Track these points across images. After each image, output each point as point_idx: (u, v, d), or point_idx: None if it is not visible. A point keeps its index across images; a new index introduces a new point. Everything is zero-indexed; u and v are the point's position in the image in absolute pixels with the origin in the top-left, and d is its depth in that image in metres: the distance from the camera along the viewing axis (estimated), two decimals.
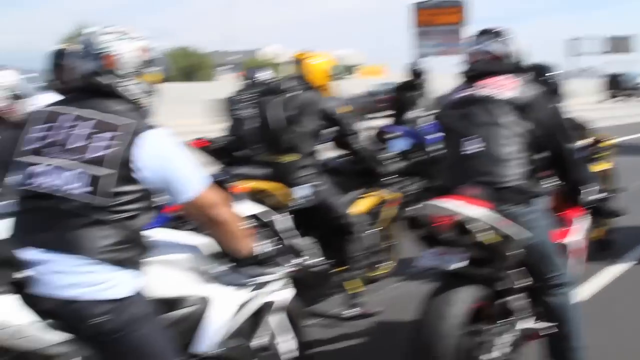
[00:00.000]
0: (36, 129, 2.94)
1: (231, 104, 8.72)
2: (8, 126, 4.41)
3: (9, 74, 4.59)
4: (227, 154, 8.03)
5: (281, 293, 3.62)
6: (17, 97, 4.57)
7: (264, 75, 8.82)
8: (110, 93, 2.97)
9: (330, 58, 5.98)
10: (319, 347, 4.82)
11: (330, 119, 5.64)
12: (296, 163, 5.53)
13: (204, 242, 3.30)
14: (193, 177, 2.97)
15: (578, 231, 4.48)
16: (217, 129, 9.34)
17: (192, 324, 3.20)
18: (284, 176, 5.50)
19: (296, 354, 3.73)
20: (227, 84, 15.98)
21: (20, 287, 2.74)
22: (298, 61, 5.86)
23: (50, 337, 2.75)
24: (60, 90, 5.45)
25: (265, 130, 5.72)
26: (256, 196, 5.00)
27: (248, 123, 7.22)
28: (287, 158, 5.54)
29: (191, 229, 3.48)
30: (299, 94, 5.65)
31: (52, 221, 2.82)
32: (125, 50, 2.99)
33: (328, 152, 6.09)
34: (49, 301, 2.74)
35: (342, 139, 5.82)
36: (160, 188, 2.95)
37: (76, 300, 2.75)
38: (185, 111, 25.67)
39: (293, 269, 3.63)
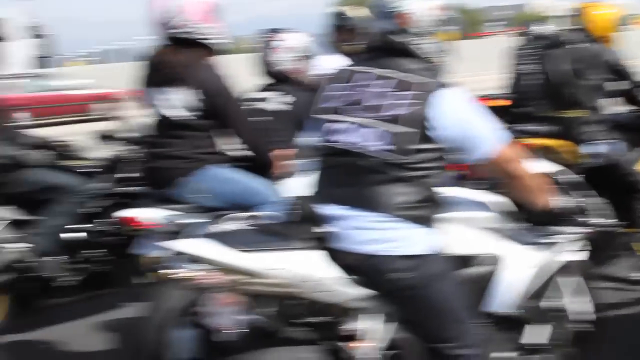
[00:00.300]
0: (335, 87, 3.02)
1: (512, 59, 8.52)
2: (299, 87, 4.62)
3: (300, 37, 4.79)
4: (507, 111, 7.86)
5: (576, 254, 3.50)
6: (306, 58, 4.77)
7: (544, 28, 8.52)
8: (404, 52, 2.98)
9: (616, 8, 5.67)
10: (607, 311, 4.62)
11: (617, 72, 5.39)
12: (582, 118, 5.32)
13: (497, 200, 3.26)
14: (491, 134, 2.93)
15: None
16: (494, 86, 9.18)
17: (485, 283, 3.18)
18: (570, 132, 5.32)
19: (592, 317, 3.61)
20: (498, 40, 15.71)
21: (322, 242, 2.85)
22: (580, 12, 5.62)
23: (352, 291, 2.84)
24: (342, 51, 5.61)
25: (548, 85, 5.55)
26: (541, 154, 4.87)
27: (528, 78, 7.03)
28: (572, 113, 5.35)
29: (478, 188, 3.44)
30: (583, 46, 5.43)
31: (351, 178, 2.90)
32: (420, 8, 2.99)
33: (615, 106, 5.81)
34: (349, 256, 2.83)
35: (630, 93, 5.53)
36: (455, 146, 2.92)
37: (375, 255, 2.81)
38: (459, 68, 25.56)
39: (588, 229, 3.50)
